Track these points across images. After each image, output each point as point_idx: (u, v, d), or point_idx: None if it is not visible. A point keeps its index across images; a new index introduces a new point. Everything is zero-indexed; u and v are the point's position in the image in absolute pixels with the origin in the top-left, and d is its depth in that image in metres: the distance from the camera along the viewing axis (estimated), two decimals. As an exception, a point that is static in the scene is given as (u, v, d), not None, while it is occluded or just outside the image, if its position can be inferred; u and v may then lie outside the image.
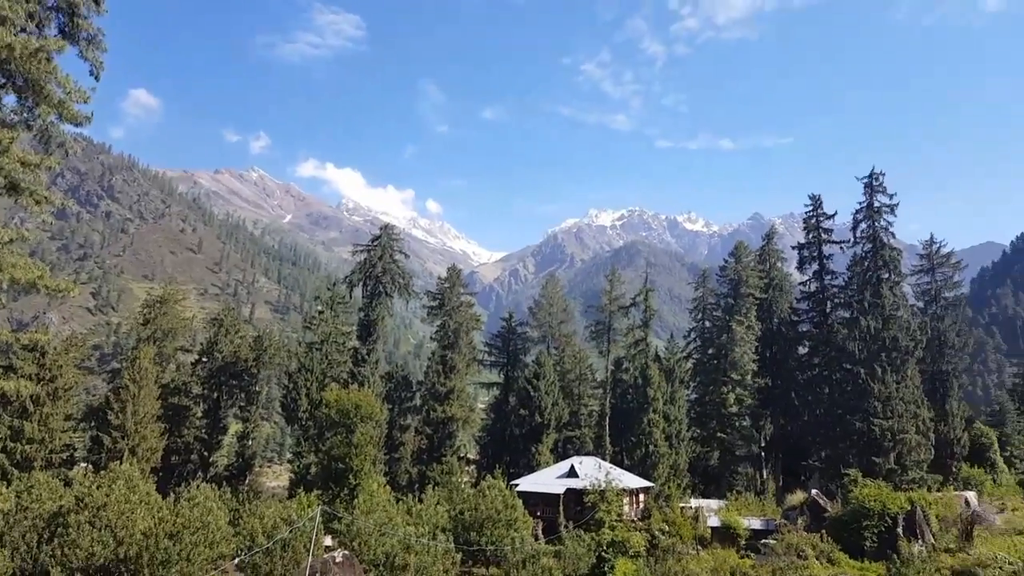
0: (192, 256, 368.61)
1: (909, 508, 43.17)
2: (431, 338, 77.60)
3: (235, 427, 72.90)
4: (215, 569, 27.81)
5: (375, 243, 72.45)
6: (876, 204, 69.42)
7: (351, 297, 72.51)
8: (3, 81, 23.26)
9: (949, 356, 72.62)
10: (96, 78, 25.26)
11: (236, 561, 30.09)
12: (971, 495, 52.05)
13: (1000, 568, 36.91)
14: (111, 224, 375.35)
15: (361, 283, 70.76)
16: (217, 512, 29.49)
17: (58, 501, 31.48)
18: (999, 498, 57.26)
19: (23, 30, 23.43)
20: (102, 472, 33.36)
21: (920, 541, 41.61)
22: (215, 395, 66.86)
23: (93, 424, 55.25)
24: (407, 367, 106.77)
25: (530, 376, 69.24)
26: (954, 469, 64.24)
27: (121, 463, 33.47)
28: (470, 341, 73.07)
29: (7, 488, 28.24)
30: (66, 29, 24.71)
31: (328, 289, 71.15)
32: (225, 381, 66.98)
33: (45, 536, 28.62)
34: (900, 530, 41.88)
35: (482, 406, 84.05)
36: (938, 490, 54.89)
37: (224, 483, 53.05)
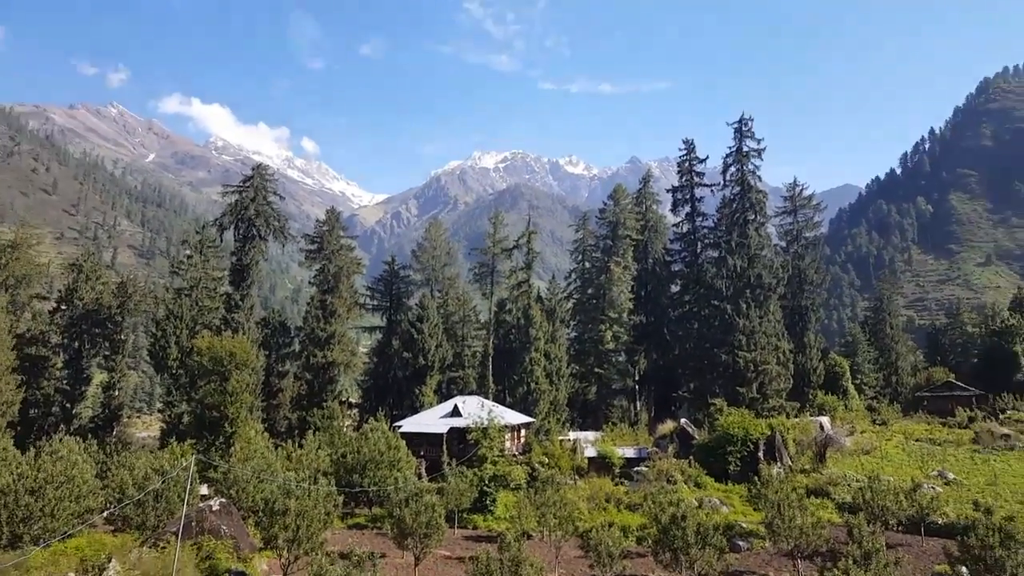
0: (46, 198, 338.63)
1: (769, 433, 46.59)
2: (310, 283, 75.48)
3: (100, 377, 69.27)
4: (82, 523, 26.71)
5: (247, 184, 69.14)
6: (745, 148, 72.49)
7: (222, 241, 69.33)
8: None
9: (808, 292, 77.74)
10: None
11: (105, 514, 28.82)
12: (825, 420, 56.12)
13: (848, 485, 40.80)
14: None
15: (233, 226, 67.58)
16: (83, 465, 28.29)
17: None
18: (849, 422, 62.53)
19: None
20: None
21: (779, 464, 45.05)
22: (76, 344, 63.76)
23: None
24: (284, 313, 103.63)
25: (414, 319, 69.14)
26: (810, 396, 69.48)
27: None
28: (351, 285, 71.74)
29: None
30: None
31: (197, 232, 67.39)
32: (87, 330, 63.84)
33: None
34: (761, 454, 45.16)
35: (364, 350, 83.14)
36: (795, 416, 59.20)
37: (90, 435, 50.79)
